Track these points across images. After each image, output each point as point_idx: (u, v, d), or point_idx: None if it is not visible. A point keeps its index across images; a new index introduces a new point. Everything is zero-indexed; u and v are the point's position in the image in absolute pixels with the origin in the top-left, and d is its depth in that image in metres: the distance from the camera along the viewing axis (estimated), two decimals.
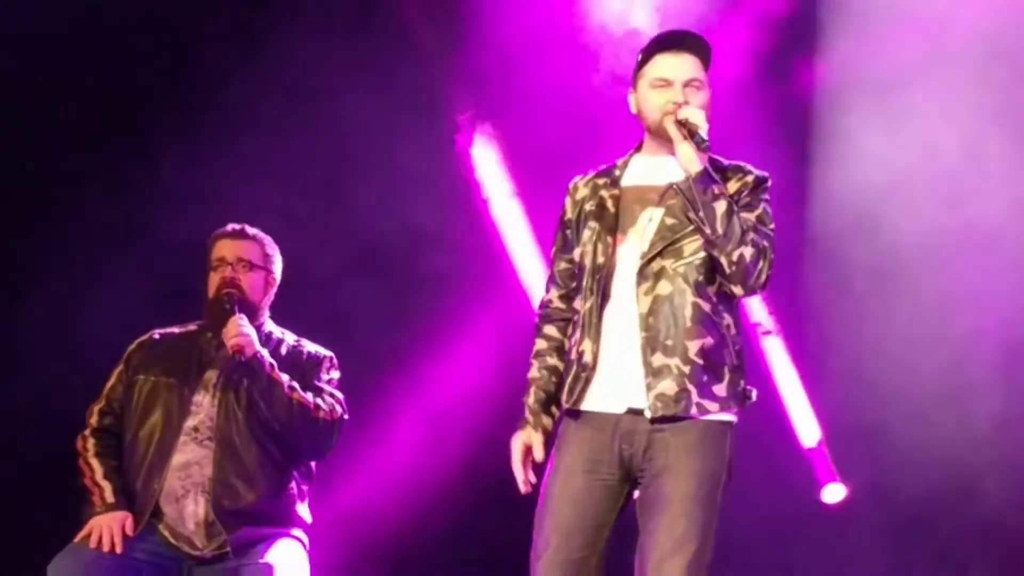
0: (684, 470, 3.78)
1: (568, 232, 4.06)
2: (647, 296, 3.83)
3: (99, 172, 6.45)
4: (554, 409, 4.02)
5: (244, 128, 6.43)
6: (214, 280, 4.90)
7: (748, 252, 3.78)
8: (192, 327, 4.98)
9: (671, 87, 3.90)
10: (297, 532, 4.87)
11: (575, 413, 3.92)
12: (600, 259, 3.91)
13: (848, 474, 6.63)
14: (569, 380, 3.93)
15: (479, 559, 6.51)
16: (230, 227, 4.96)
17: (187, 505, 4.71)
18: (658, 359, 3.79)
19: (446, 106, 6.69)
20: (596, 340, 3.87)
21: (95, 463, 4.75)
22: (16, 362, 6.41)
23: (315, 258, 6.18)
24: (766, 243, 3.83)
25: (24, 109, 6.41)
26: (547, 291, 4.11)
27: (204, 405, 4.80)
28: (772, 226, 3.90)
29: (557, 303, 4.07)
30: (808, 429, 6.64)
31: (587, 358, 3.88)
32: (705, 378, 3.80)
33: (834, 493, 6.64)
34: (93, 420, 4.85)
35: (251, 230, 4.97)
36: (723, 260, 3.79)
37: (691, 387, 3.79)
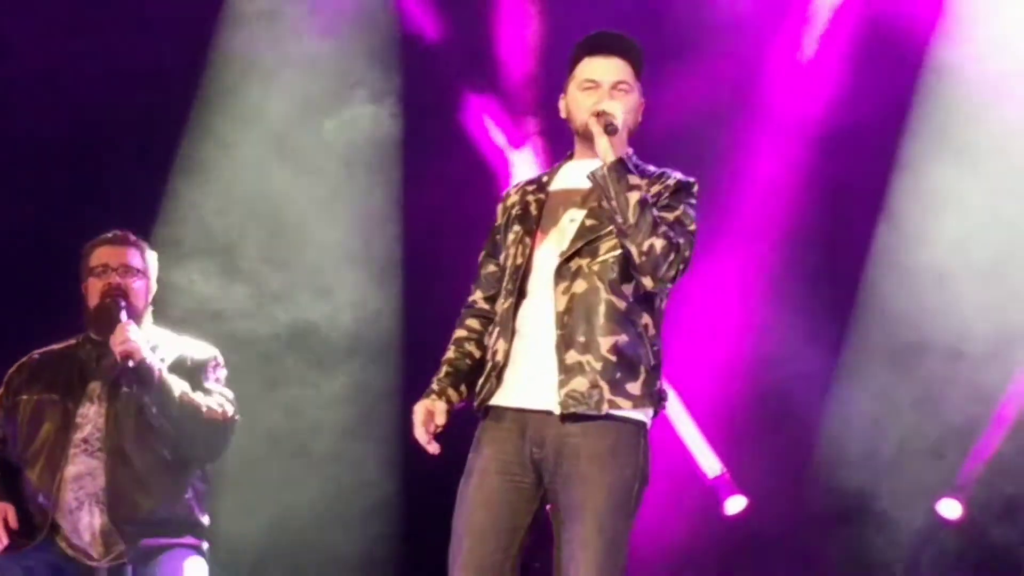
0: (597, 480, 3.75)
1: (497, 237, 4.06)
2: (564, 295, 3.83)
3: None
4: (463, 388, 4.00)
5: None
6: (96, 287, 4.86)
7: (659, 244, 3.77)
8: (71, 341, 4.96)
9: (599, 88, 3.92)
10: (196, 540, 4.86)
11: (486, 412, 3.92)
12: (519, 260, 3.92)
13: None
14: (481, 379, 3.94)
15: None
16: (111, 233, 4.93)
17: (82, 517, 4.69)
18: (571, 356, 3.79)
19: None
20: (509, 340, 3.87)
21: None
22: None
23: None
24: (681, 240, 3.82)
25: None
26: (472, 293, 4.12)
27: (91, 416, 4.78)
28: (692, 228, 3.89)
29: (481, 304, 4.06)
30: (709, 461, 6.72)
31: (499, 356, 3.88)
32: (618, 375, 3.79)
33: (736, 504, 6.70)
34: None
35: (132, 236, 4.95)
36: (633, 250, 3.78)
37: (603, 383, 3.78)
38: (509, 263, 3.96)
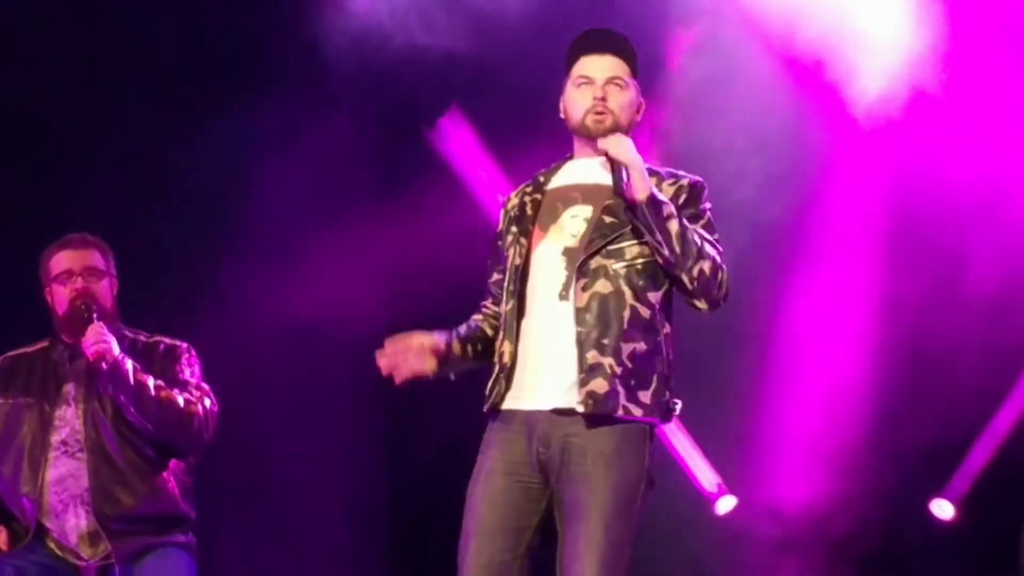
0: (602, 480, 3.74)
1: (500, 243, 4.04)
2: (584, 292, 3.80)
3: None
4: (469, 348, 3.97)
5: None
6: (63, 293, 4.86)
7: (707, 266, 3.79)
8: (43, 344, 4.95)
9: (593, 84, 3.92)
10: (183, 535, 4.86)
11: (495, 414, 3.90)
12: (517, 260, 3.91)
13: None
14: (490, 382, 3.91)
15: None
16: (69, 238, 4.93)
17: (68, 519, 4.70)
18: (593, 356, 3.76)
19: None
20: (514, 341, 3.85)
21: None
22: None
23: None
24: (716, 253, 3.83)
25: None
26: (482, 301, 4.10)
27: (68, 418, 4.78)
28: (716, 235, 3.90)
29: (491, 308, 4.06)
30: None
31: (506, 359, 3.86)
32: (633, 382, 3.77)
33: (726, 504, 6.69)
34: None
35: (90, 237, 4.94)
36: (684, 277, 3.79)
37: (620, 388, 3.76)
38: (509, 264, 3.94)
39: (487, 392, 3.91)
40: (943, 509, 6.49)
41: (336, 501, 6.78)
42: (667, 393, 3.85)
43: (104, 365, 4.70)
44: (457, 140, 6.74)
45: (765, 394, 6.46)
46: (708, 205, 3.95)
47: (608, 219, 3.86)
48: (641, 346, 3.80)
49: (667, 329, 3.87)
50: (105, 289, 4.89)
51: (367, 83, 6.69)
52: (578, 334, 3.79)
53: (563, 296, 3.84)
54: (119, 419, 4.75)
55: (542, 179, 4.04)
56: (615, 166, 3.83)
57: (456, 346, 3.97)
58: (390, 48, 6.40)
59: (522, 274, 3.90)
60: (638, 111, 3.99)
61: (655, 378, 3.81)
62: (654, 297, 3.84)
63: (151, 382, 4.75)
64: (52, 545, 4.70)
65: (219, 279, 6.43)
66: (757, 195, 6.33)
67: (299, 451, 6.68)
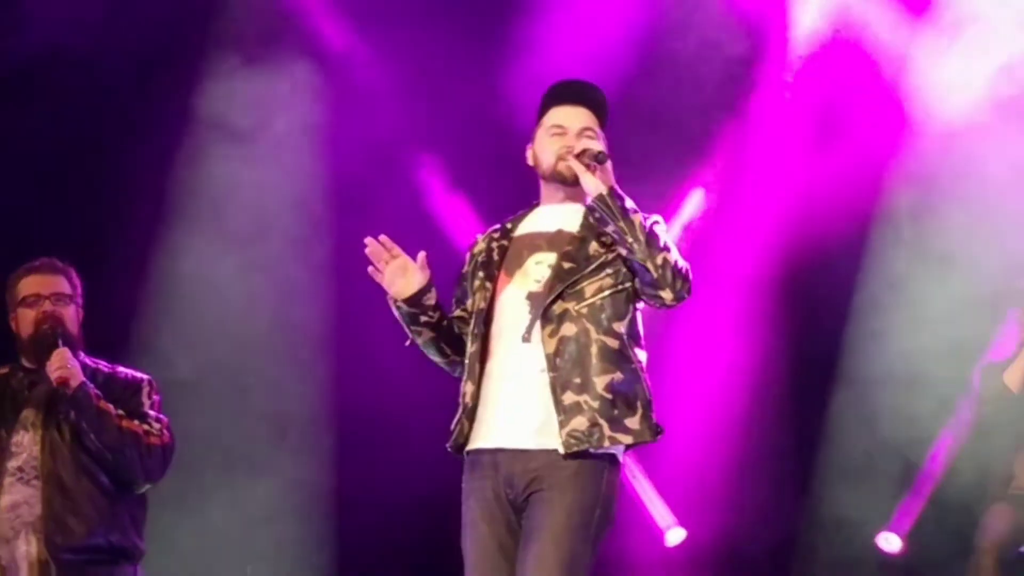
0: (556, 502, 3.81)
1: (465, 284, 4.12)
2: (552, 338, 3.88)
3: None
4: (439, 314, 4.03)
5: None
6: (29, 317, 4.84)
7: (671, 256, 3.88)
8: (2, 370, 4.92)
9: (567, 134, 4.02)
10: (131, 566, 4.84)
11: (466, 458, 3.98)
12: (481, 304, 3.99)
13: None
14: (453, 422, 4.00)
15: None
16: (38, 262, 4.91)
17: (19, 546, 4.67)
18: (569, 397, 3.84)
19: None
20: (476, 382, 3.94)
21: None
22: None
23: None
24: (677, 252, 3.93)
25: None
26: None
27: (25, 444, 4.76)
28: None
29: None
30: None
31: (468, 399, 3.95)
32: (616, 412, 3.85)
33: (676, 536, 6.80)
34: None
35: (59, 263, 4.92)
36: (649, 265, 3.87)
37: (602, 421, 3.83)
38: (474, 308, 4.02)
39: (451, 428, 4.00)
40: (890, 542, 6.61)
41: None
42: (652, 416, 3.94)
43: (68, 390, 4.68)
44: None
45: None
46: (671, 234, 4.06)
47: (567, 264, 3.95)
48: (618, 376, 3.88)
49: (640, 355, 3.96)
50: (72, 314, 4.87)
51: None
52: (552, 379, 3.87)
53: (525, 339, 3.92)
54: (77, 447, 4.73)
55: (509, 226, 4.13)
56: (583, 161, 3.94)
57: (433, 298, 4.02)
58: None
59: (486, 318, 3.97)
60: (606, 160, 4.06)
61: (639, 404, 3.90)
62: (619, 327, 3.93)
63: (113, 412, 4.74)
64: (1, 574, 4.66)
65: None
66: None
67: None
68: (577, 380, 3.86)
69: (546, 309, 3.90)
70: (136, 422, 4.79)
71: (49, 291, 4.85)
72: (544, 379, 3.88)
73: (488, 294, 4.00)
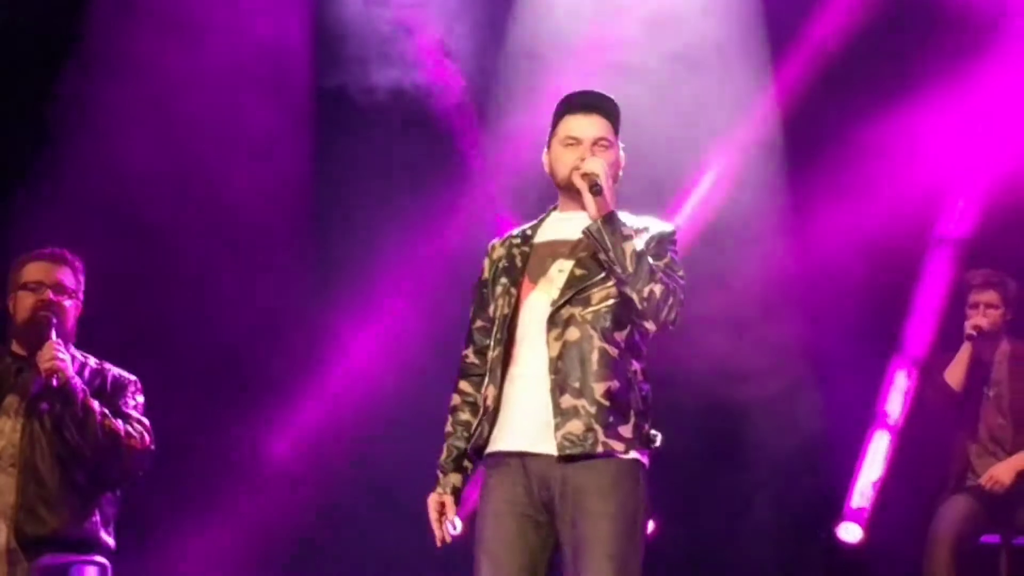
0: (600, 512, 3.87)
1: (484, 291, 4.19)
2: (557, 341, 3.96)
3: None
4: (466, 463, 4.13)
5: None
6: (27, 301, 4.84)
7: (658, 289, 3.94)
8: None
9: (580, 145, 4.07)
10: (100, 559, 4.84)
11: (485, 459, 4.04)
12: (506, 310, 4.06)
13: None
14: (474, 423, 4.08)
15: None
16: (47, 250, 4.91)
17: None
18: (566, 400, 3.92)
19: None
20: (498, 385, 4.01)
21: None
22: None
23: None
24: (675, 285, 4.00)
25: None
26: (464, 348, 4.22)
27: (6, 431, 4.77)
28: (681, 273, 4.06)
29: (472, 358, 4.19)
30: None
31: (489, 402, 4.02)
32: (611, 419, 3.92)
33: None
34: None
35: (68, 255, 4.92)
36: (635, 297, 3.94)
37: (597, 427, 3.91)
38: (498, 314, 4.09)
39: (471, 431, 4.10)
40: (850, 532, 6.66)
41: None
42: (646, 426, 4.00)
43: (55, 382, 4.67)
44: None
45: None
46: (675, 248, 4.11)
47: (579, 271, 4.03)
48: (615, 384, 3.95)
49: (638, 365, 4.03)
50: (70, 308, 4.88)
51: None
52: (552, 381, 3.95)
53: (540, 345, 3.99)
54: (56, 440, 4.73)
55: (529, 232, 4.19)
56: (587, 183, 3.98)
57: (458, 481, 4.11)
58: None
59: (510, 323, 4.04)
60: (620, 167, 4.15)
61: (632, 413, 3.97)
62: (620, 336, 4.00)
63: (97, 409, 4.74)
64: None
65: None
66: None
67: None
68: (576, 384, 3.94)
69: (554, 313, 3.98)
70: (119, 422, 4.79)
71: (52, 280, 4.85)
72: (549, 382, 3.96)
73: (512, 299, 4.07)
